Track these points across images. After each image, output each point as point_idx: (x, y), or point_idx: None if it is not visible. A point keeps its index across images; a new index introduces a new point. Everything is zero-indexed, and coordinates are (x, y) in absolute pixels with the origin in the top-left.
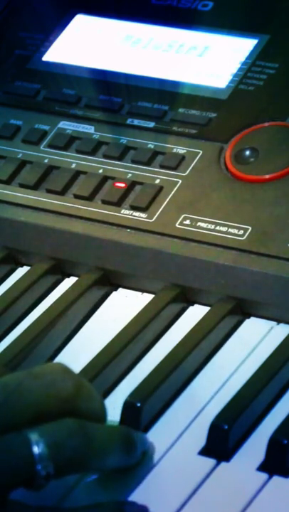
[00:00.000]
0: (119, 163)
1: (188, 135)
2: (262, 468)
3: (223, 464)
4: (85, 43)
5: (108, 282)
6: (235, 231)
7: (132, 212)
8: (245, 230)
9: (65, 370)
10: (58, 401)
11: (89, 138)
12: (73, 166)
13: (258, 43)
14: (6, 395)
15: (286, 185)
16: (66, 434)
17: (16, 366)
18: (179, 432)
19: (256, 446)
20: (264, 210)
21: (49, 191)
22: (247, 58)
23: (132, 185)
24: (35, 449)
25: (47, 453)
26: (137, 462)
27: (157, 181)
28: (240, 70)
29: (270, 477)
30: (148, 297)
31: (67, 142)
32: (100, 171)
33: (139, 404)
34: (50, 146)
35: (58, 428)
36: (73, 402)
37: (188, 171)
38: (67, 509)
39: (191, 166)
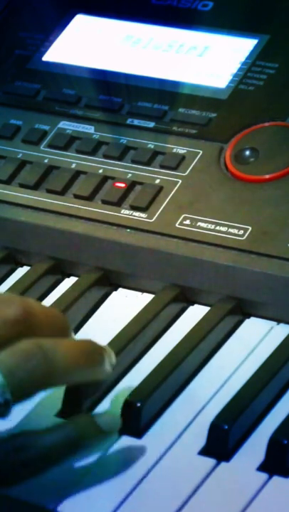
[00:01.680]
0: (119, 163)
1: (188, 135)
2: (262, 468)
3: (223, 464)
4: (85, 43)
5: (108, 282)
6: (235, 231)
7: (132, 212)
8: (245, 230)
9: (10, 296)
10: (6, 325)
11: (89, 138)
12: (73, 166)
13: (258, 43)
14: None
15: (286, 185)
16: (22, 357)
17: None
18: (179, 432)
19: (256, 446)
20: (264, 210)
21: (49, 191)
22: (247, 58)
23: (132, 185)
24: None
25: (2, 382)
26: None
27: (157, 181)
28: (240, 70)
29: (270, 477)
30: (148, 297)
31: (67, 142)
32: (100, 171)
33: (139, 404)
34: (50, 146)
35: (12, 353)
36: (24, 323)
37: (188, 171)
38: (42, 430)
39: (191, 166)
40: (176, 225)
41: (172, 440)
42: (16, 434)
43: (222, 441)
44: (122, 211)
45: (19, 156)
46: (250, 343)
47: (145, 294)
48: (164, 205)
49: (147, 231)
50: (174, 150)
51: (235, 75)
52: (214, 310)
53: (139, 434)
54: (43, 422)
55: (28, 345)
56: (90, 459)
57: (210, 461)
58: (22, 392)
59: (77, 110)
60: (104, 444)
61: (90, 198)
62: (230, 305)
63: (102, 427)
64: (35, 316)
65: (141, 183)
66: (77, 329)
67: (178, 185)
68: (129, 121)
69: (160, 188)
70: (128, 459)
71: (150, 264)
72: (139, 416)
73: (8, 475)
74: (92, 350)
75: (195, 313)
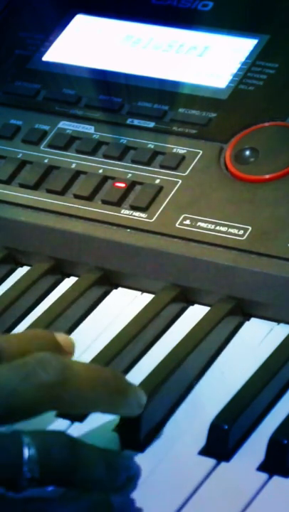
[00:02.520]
0: (119, 163)
1: (188, 135)
2: (262, 468)
3: (223, 464)
4: (85, 43)
5: (108, 282)
6: (235, 231)
7: (132, 212)
8: (245, 230)
9: (49, 357)
10: (40, 390)
11: (89, 138)
12: (73, 166)
13: (258, 43)
14: None
15: (286, 185)
16: (57, 444)
17: None
18: (178, 432)
19: (256, 446)
20: (264, 210)
21: (49, 191)
22: (247, 58)
23: (132, 185)
24: (26, 451)
25: (36, 457)
26: (122, 485)
27: (157, 181)
28: (240, 70)
29: (270, 477)
30: (148, 297)
31: (67, 142)
32: (100, 171)
33: None
34: (50, 146)
35: (50, 437)
36: (61, 387)
37: (188, 171)
38: (55, 499)
39: (191, 166)
40: (176, 225)
41: (172, 440)
42: (29, 498)
43: (222, 441)
44: (122, 211)
45: (19, 156)
46: (251, 343)
47: (145, 294)
48: (164, 205)
49: (147, 231)
50: (174, 150)
51: (235, 75)
52: (214, 310)
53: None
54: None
55: (65, 437)
56: None
57: (210, 461)
58: (47, 476)
59: (77, 110)
60: None
61: (90, 198)
62: (231, 305)
63: (116, 506)
64: (74, 379)
65: (141, 183)
66: (77, 329)
67: (178, 185)
68: (129, 121)
69: (160, 188)
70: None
71: (150, 264)
72: (139, 416)
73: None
74: (112, 462)
75: (195, 313)
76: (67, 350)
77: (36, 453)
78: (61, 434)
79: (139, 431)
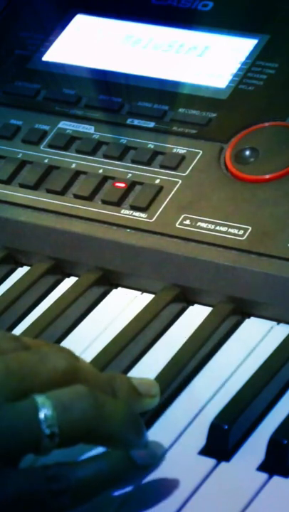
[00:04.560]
0: (119, 163)
1: (188, 135)
2: (262, 468)
3: (223, 464)
4: (85, 43)
5: (108, 282)
6: (235, 231)
7: (132, 212)
8: (245, 230)
9: (61, 348)
10: (56, 373)
11: (89, 138)
12: (73, 166)
13: (258, 43)
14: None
15: (286, 185)
16: (75, 396)
17: None
18: (179, 432)
19: (256, 446)
20: (264, 210)
21: (49, 191)
22: (247, 58)
23: (132, 185)
24: (42, 411)
25: (53, 414)
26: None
27: (157, 181)
28: (240, 70)
29: (270, 477)
30: (148, 297)
31: (67, 142)
32: (100, 171)
33: None
34: (50, 146)
35: (67, 391)
36: (73, 374)
37: (188, 171)
38: (74, 462)
39: (191, 166)
40: (176, 225)
41: (172, 440)
42: (48, 464)
43: (222, 441)
44: (122, 211)
45: (19, 156)
46: (250, 343)
47: (145, 294)
48: (164, 205)
49: (147, 231)
50: (174, 150)
51: (235, 75)
52: (214, 310)
53: None
54: None
55: (82, 388)
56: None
57: (210, 461)
58: (69, 430)
59: (77, 110)
60: (138, 479)
61: (90, 198)
62: (230, 305)
63: (138, 461)
64: (83, 371)
65: (141, 183)
66: (77, 329)
67: (178, 185)
68: (129, 121)
69: (160, 188)
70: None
71: (150, 264)
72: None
73: (38, 505)
74: (136, 415)
75: (195, 314)
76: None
77: (53, 410)
78: (77, 387)
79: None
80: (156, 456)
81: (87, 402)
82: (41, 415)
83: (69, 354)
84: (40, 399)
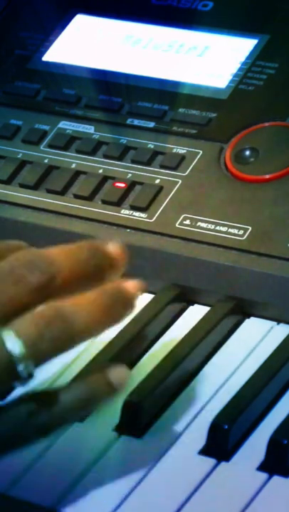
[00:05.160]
0: (119, 163)
1: (188, 135)
2: (262, 468)
3: (223, 464)
4: (85, 43)
5: None
6: (235, 231)
7: (132, 212)
8: (245, 230)
9: (33, 255)
10: (28, 292)
11: (89, 138)
12: (73, 166)
13: (258, 43)
14: None
15: (286, 185)
16: (43, 325)
17: None
18: (178, 432)
19: (256, 446)
20: (264, 210)
21: (49, 191)
22: (247, 58)
23: (132, 185)
24: (15, 352)
25: (25, 352)
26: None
27: (157, 181)
28: (240, 70)
29: (270, 477)
30: (148, 297)
31: (67, 142)
32: (100, 171)
33: (139, 404)
34: (50, 146)
35: (32, 322)
36: (48, 288)
37: (188, 171)
38: (56, 388)
39: (191, 166)
40: (176, 225)
41: (172, 440)
42: (27, 398)
43: (222, 441)
44: (122, 211)
45: (19, 156)
46: (250, 343)
47: (145, 294)
48: (164, 205)
49: (147, 231)
50: (174, 150)
51: (235, 75)
52: (214, 310)
53: (139, 434)
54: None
55: (48, 311)
56: (90, 459)
57: (210, 461)
58: (44, 361)
59: (77, 110)
60: (115, 402)
61: (90, 198)
62: (230, 305)
63: (114, 382)
64: (61, 276)
65: (141, 183)
66: None
67: (178, 185)
68: (129, 121)
69: (160, 188)
70: (128, 459)
71: (150, 264)
72: (139, 416)
73: (21, 438)
74: (115, 303)
75: (195, 313)
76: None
77: (25, 349)
78: (43, 312)
79: (140, 431)
80: (129, 374)
81: (56, 328)
82: (15, 356)
83: (43, 263)
84: (9, 339)
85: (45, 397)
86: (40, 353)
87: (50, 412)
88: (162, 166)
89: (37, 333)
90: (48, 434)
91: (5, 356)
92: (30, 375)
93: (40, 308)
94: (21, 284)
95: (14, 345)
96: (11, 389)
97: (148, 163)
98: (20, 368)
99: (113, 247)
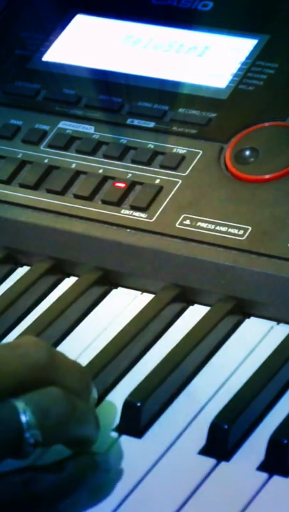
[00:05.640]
0: (119, 163)
1: (188, 135)
2: (262, 468)
3: (223, 464)
4: (85, 43)
5: (108, 282)
6: (235, 231)
7: (132, 212)
8: (245, 230)
9: (37, 341)
10: (35, 370)
11: (89, 138)
12: (73, 166)
13: (258, 43)
14: None
15: (286, 185)
16: (51, 401)
17: None
18: (178, 432)
19: (256, 446)
20: (264, 210)
21: (49, 191)
22: (247, 58)
23: (132, 185)
24: (23, 417)
25: (34, 420)
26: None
27: (157, 181)
28: (240, 70)
29: (270, 477)
30: (148, 297)
31: (67, 142)
32: (100, 171)
33: (139, 404)
34: (50, 146)
35: (43, 396)
36: (49, 370)
37: (188, 171)
38: (45, 466)
39: (191, 166)
40: (176, 225)
41: (172, 440)
42: (23, 468)
43: (222, 441)
44: (122, 211)
45: (19, 156)
46: (250, 343)
47: (145, 294)
48: (164, 205)
49: (147, 231)
50: (174, 150)
51: (235, 75)
52: (214, 310)
53: (139, 434)
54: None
55: (57, 391)
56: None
57: (210, 461)
58: (48, 434)
59: (77, 110)
60: (103, 481)
61: (90, 198)
62: (230, 305)
63: (100, 464)
64: (58, 366)
65: (141, 183)
66: (77, 329)
67: (178, 185)
68: (129, 121)
69: (160, 188)
70: (128, 459)
71: (150, 264)
72: (139, 416)
73: (16, 509)
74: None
75: (195, 313)
76: None
77: (33, 416)
78: (52, 390)
79: (140, 431)
80: (114, 459)
81: (62, 406)
82: (23, 421)
83: (46, 347)
84: (20, 405)
85: (39, 470)
86: (47, 425)
87: (45, 482)
88: (162, 166)
89: (45, 406)
90: (43, 502)
91: (16, 424)
92: (35, 446)
93: (49, 388)
94: (28, 362)
95: (25, 412)
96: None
97: (148, 163)
98: (27, 435)
99: None
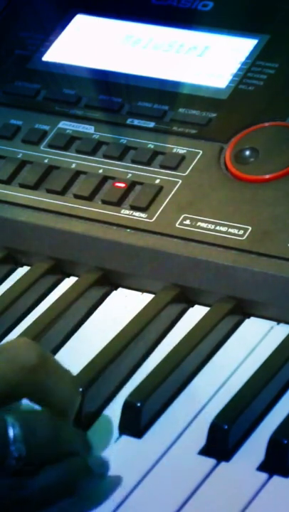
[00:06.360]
0: (119, 163)
1: (188, 135)
2: (262, 468)
3: (223, 464)
4: (85, 43)
5: (108, 282)
6: (235, 231)
7: (132, 212)
8: (245, 230)
9: (29, 342)
10: (24, 373)
11: (89, 138)
12: (73, 166)
13: (258, 43)
14: None
15: (286, 185)
16: (39, 422)
17: None
18: (179, 432)
19: (256, 446)
20: (264, 210)
21: (49, 191)
22: (247, 58)
23: (132, 185)
24: (11, 431)
25: (21, 435)
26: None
27: (157, 181)
28: (240, 70)
29: (270, 477)
30: (148, 297)
31: (67, 142)
32: (100, 171)
33: (139, 404)
34: (50, 146)
35: (33, 416)
36: (39, 372)
37: (188, 171)
38: (35, 470)
39: (191, 166)
40: (176, 225)
41: (172, 440)
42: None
43: (222, 441)
44: (122, 211)
45: (19, 156)
46: (250, 343)
47: (145, 294)
48: (164, 205)
49: (147, 231)
50: (174, 150)
51: (235, 75)
52: (214, 310)
53: (139, 434)
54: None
55: (46, 415)
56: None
57: (210, 461)
58: (33, 452)
59: (77, 110)
60: (95, 486)
61: (89, 198)
62: (230, 305)
63: (94, 469)
64: (50, 368)
65: (141, 183)
66: (77, 329)
67: (178, 185)
68: (129, 121)
69: (160, 188)
70: (128, 459)
71: (150, 264)
72: (139, 416)
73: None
74: (86, 442)
75: (195, 314)
76: None
77: (21, 431)
78: (41, 413)
79: (140, 431)
80: (108, 464)
81: (48, 429)
82: (10, 434)
83: (37, 349)
84: (9, 418)
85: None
86: (32, 444)
87: (33, 486)
88: (162, 166)
89: (33, 425)
90: (30, 507)
91: (3, 436)
92: (19, 461)
93: (40, 411)
94: (16, 365)
95: (13, 426)
96: None
97: (148, 163)
98: (13, 448)
99: None
